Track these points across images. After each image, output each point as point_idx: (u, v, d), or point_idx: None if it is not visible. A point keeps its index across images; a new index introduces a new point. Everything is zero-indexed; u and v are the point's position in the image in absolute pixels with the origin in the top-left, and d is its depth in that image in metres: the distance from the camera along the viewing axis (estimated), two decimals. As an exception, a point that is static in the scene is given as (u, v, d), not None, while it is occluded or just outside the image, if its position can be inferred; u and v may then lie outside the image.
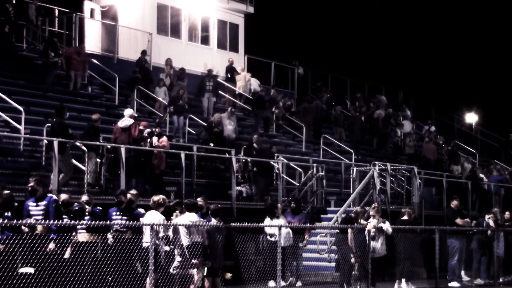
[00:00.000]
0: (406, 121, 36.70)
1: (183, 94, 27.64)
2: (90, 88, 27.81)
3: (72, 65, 26.34)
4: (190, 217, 15.20)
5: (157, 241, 14.62)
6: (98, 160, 19.39)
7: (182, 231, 14.87)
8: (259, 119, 30.97)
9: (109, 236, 14.78)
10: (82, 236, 14.52)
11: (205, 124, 26.31)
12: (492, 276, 21.67)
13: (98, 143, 19.66)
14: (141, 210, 16.28)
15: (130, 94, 27.40)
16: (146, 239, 14.54)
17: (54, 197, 15.10)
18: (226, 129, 26.05)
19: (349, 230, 17.89)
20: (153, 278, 13.59)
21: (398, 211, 22.97)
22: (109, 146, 19.79)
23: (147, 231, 14.58)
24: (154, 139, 20.76)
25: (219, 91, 32.00)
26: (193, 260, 14.87)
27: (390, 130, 34.67)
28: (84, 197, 15.96)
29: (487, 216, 21.97)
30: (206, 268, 15.13)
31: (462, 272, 21.71)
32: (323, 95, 35.86)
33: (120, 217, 15.70)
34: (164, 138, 21.31)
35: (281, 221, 18.77)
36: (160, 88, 27.87)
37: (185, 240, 14.85)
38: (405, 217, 19.94)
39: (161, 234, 14.69)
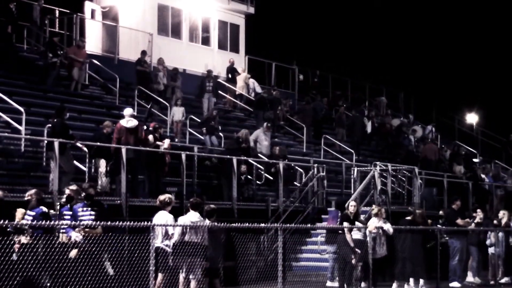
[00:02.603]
0: (418, 127, 36.63)
1: (217, 115, 27.35)
2: (90, 89, 27.82)
3: (76, 62, 26.30)
4: (191, 217, 15.17)
5: (166, 241, 14.70)
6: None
7: (178, 229, 14.89)
8: (260, 120, 30.95)
9: (74, 234, 14.09)
10: (24, 238, 13.63)
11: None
12: (493, 276, 21.68)
13: (98, 144, 19.60)
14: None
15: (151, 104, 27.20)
16: (159, 240, 14.60)
17: None
18: (262, 145, 25.45)
19: (346, 230, 17.89)
20: (154, 279, 13.58)
21: (398, 212, 23.01)
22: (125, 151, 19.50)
23: (159, 231, 14.63)
24: (167, 142, 20.74)
25: (220, 92, 32.02)
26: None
27: (403, 138, 34.53)
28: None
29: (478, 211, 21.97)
30: (205, 268, 15.12)
31: (470, 273, 21.75)
32: (340, 102, 35.93)
33: (88, 213, 14.77)
34: (168, 140, 21.35)
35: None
36: (178, 107, 27.09)
37: (176, 238, 14.85)
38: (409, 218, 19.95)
39: (170, 232, 14.76)
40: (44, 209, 14.43)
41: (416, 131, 35.15)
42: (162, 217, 14.97)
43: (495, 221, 22.56)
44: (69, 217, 14.83)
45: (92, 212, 14.70)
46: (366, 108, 37.21)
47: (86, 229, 14.13)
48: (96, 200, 15.32)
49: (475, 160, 34.25)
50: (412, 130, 35.18)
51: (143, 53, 29.01)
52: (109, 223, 13.24)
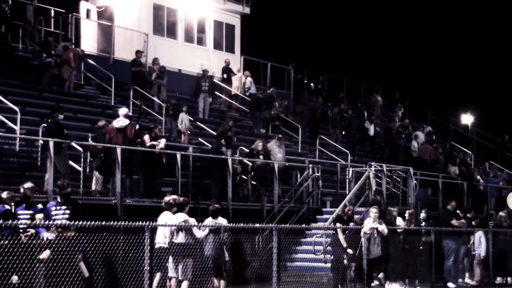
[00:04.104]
0: (419, 132, 36.53)
1: (232, 126, 26.84)
2: (86, 89, 27.78)
3: (70, 62, 26.25)
4: (177, 219, 15.13)
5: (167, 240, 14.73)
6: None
7: (168, 231, 14.91)
8: (257, 121, 30.91)
9: (47, 234, 13.54)
10: None
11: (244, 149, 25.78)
12: (481, 276, 21.69)
13: (93, 143, 19.60)
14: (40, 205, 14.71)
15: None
16: (159, 240, 14.60)
17: None
18: (276, 157, 24.68)
19: (338, 231, 17.92)
20: (149, 278, 13.57)
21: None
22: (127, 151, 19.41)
23: (160, 232, 14.65)
24: (163, 142, 20.71)
25: (216, 92, 31.99)
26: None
27: (398, 138, 34.43)
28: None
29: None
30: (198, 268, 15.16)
31: (466, 274, 21.75)
32: (344, 106, 35.79)
33: (62, 212, 14.12)
34: (164, 140, 21.35)
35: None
36: (185, 114, 26.67)
37: (167, 239, 14.89)
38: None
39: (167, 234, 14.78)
40: (7, 206, 14.07)
41: (418, 136, 34.93)
42: (164, 218, 15.03)
43: (473, 223, 22.49)
44: (25, 216, 14.12)
45: (67, 211, 14.12)
46: (365, 110, 37.10)
47: (59, 229, 13.50)
48: (71, 198, 14.85)
49: (488, 167, 34.06)
50: (414, 135, 34.92)
51: (138, 52, 28.93)
52: (103, 222, 13.21)
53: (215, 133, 27.04)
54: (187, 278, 14.77)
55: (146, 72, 29.06)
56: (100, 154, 19.27)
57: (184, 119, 26.45)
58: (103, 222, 13.24)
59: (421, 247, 20.14)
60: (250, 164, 23.56)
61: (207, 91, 29.97)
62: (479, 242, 21.71)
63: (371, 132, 34.77)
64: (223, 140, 25.03)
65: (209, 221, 15.95)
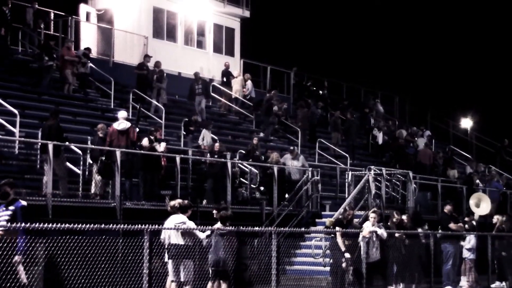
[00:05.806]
0: (422, 138, 36.45)
1: (257, 144, 26.31)
2: (85, 92, 27.78)
3: (68, 63, 26.22)
4: (175, 219, 15.10)
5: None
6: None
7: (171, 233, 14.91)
8: (269, 126, 30.82)
9: None
10: None
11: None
12: (468, 281, 21.68)
13: (92, 146, 19.60)
14: None
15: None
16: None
17: None
18: (290, 170, 24.52)
19: (337, 234, 17.91)
20: (147, 282, 13.54)
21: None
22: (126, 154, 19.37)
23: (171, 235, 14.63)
24: (163, 145, 20.72)
25: (216, 96, 31.97)
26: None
27: (407, 147, 34.30)
28: None
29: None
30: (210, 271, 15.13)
31: (464, 278, 21.75)
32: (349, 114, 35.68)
33: (4, 213, 13.42)
34: (164, 143, 21.36)
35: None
36: (207, 131, 26.05)
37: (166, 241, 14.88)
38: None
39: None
40: None
41: (427, 144, 34.70)
42: (172, 221, 15.00)
43: (466, 226, 22.42)
44: None
45: (8, 212, 13.42)
46: (371, 116, 37.00)
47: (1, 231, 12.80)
48: (13, 198, 13.82)
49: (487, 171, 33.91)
50: (425, 144, 34.70)
51: (147, 57, 28.79)
52: (102, 225, 13.17)
53: (216, 138, 27.05)
54: (189, 281, 14.69)
55: (149, 75, 28.99)
56: (101, 157, 19.24)
57: (206, 136, 25.92)
58: (102, 225, 13.23)
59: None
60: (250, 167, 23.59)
61: (201, 93, 29.81)
62: (470, 246, 21.73)
63: (380, 140, 34.65)
64: (250, 159, 24.65)
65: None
